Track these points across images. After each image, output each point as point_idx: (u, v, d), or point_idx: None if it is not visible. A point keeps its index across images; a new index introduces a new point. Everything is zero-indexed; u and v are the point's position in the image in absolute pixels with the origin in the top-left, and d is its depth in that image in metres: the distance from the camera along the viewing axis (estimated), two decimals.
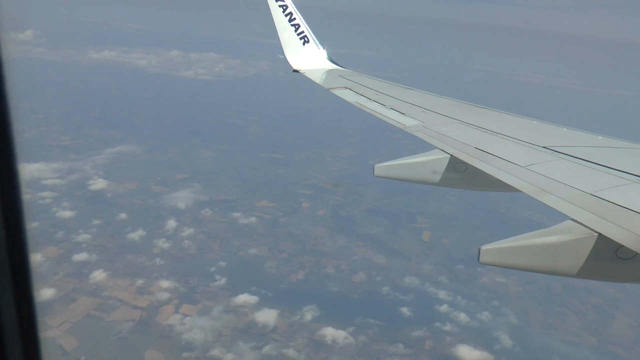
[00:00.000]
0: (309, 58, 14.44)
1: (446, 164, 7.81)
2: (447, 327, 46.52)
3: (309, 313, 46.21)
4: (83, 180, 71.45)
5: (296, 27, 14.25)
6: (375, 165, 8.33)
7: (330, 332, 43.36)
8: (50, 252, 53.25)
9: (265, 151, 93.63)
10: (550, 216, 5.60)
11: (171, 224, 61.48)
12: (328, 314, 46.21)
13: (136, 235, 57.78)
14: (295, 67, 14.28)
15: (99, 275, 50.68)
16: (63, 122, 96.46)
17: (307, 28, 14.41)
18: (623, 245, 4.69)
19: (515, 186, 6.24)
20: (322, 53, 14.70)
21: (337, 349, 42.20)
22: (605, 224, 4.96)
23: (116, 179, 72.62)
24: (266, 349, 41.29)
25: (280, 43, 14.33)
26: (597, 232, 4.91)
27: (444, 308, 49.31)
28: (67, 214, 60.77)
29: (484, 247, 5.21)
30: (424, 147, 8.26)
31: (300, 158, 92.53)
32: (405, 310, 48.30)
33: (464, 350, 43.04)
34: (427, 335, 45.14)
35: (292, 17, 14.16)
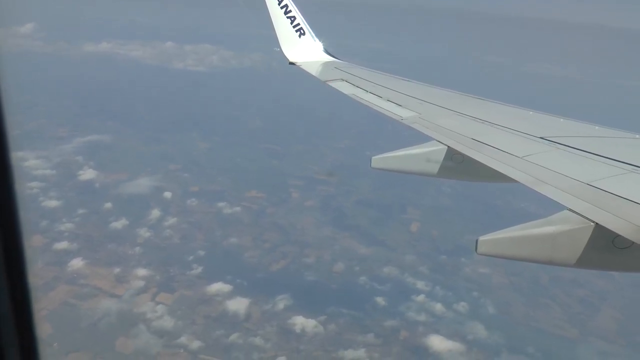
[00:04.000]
0: (305, 50, 14.36)
1: (443, 155, 7.83)
2: (422, 318, 45.93)
3: (281, 302, 46.04)
4: (74, 171, 72.03)
5: (292, 19, 14.17)
6: (372, 157, 8.34)
7: (300, 321, 43.18)
8: (34, 241, 53.81)
9: (262, 143, 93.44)
10: (547, 208, 5.55)
11: (156, 213, 61.61)
12: (301, 303, 45.98)
13: (119, 224, 58.09)
14: (291, 60, 14.20)
15: (79, 263, 51.07)
16: (62, 114, 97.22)
17: (302, 20, 14.31)
18: (620, 235, 4.74)
19: (512, 177, 6.29)
20: (318, 45, 14.61)
21: (306, 338, 42.02)
22: (602, 213, 5.00)
23: (107, 170, 73.04)
24: (233, 337, 41.32)
25: (275, 35, 14.29)
26: (594, 222, 4.95)
27: (420, 298, 48.65)
28: (53, 203, 61.29)
29: (481, 238, 5.27)
30: (423, 139, 8.22)
31: (297, 150, 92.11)
32: (380, 300, 47.83)
33: (435, 340, 42.53)
34: (399, 325, 44.65)
35: (288, 9, 14.10)
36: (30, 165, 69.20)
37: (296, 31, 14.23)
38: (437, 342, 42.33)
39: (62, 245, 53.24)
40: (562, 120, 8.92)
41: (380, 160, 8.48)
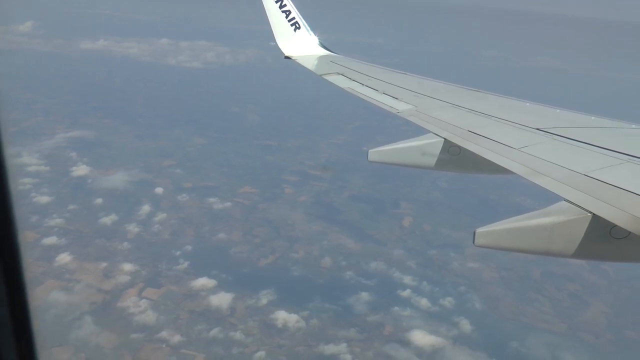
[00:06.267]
0: (300, 44, 14.47)
1: (440, 148, 7.88)
2: (406, 313, 45.73)
3: (265, 297, 45.97)
4: (67, 167, 72.19)
5: (287, 13, 14.26)
6: (369, 151, 8.35)
7: (282, 316, 43.07)
8: (24, 236, 53.90)
9: (258, 138, 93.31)
10: (543, 202, 5.53)
11: (147, 209, 61.71)
12: (284, 299, 45.89)
13: (109, 220, 58.20)
14: (286, 54, 14.30)
15: (67, 259, 51.21)
16: (59, 110, 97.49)
17: (297, 14, 14.39)
18: (617, 225, 4.77)
19: (508, 168, 6.35)
20: (314, 39, 14.73)
21: (288, 333, 41.87)
22: (599, 204, 5.02)
23: (100, 166, 73.25)
24: (214, 331, 41.30)
25: (271, 30, 14.38)
26: (590, 213, 4.97)
27: (406, 293, 48.44)
28: (45, 199, 61.46)
29: (479, 230, 5.30)
30: (420, 132, 8.25)
31: (293, 145, 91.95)
32: (365, 295, 47.60)
33: (417, 335, 42.26)
34: (383, 320, 44.47)
35: (283, 3, 14.19)
36: (23, 161, 69.47)
37: (291, 25, 14.28)
38: (419, 337, 42.08)
39: (51, 240, 53.42)
40: (558, 111, 8.92)
41: (376, 153, 8.47)
